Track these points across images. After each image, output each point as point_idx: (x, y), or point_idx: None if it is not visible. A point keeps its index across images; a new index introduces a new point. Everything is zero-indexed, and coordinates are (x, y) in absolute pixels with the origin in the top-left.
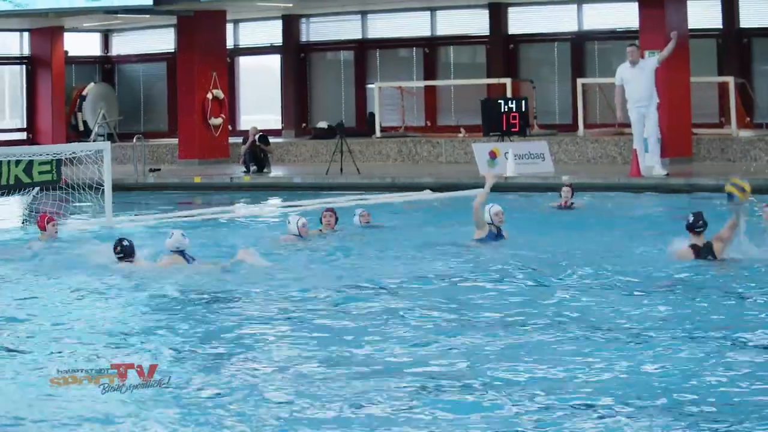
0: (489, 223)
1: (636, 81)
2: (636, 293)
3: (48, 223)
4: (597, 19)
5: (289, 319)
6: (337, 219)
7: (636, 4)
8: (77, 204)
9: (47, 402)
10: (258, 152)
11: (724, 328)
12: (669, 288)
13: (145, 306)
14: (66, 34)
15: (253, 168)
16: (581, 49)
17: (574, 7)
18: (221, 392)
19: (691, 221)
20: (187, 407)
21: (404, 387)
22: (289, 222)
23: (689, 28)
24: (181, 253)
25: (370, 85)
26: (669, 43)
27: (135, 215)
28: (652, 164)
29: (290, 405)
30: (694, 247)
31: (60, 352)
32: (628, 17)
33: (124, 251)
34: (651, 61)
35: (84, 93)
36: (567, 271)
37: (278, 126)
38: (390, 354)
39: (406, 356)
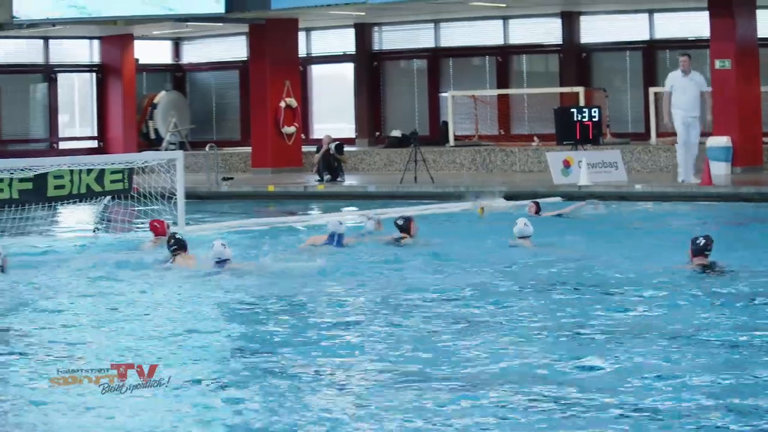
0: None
1: (684, 90)
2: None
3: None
4: (668, 27)
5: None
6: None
7: (707, 13)
8: (150, 213)
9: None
10: (332, 161)
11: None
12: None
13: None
14: (136, 42)
15: (326, 177)
16: (653, 58)
17: (646, 16)
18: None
19: (701, 244)
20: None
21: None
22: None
23: (759, 37)
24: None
25: (443, 94)
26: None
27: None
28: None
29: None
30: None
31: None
32: (699, 26)
33: (178, 243)
34: (700, 77)
35: (155, 101)
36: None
37: (352, 135)
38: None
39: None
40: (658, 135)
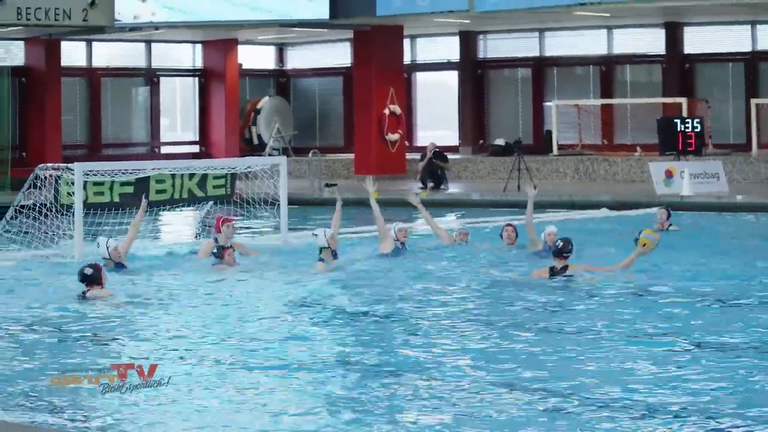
0: (395, 240)
1: None
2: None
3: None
4: None
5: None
6: (517, 234)
7: None
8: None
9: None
10: (435, 168)
11: None
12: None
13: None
14: (240, 47)
15: (430, 184)
16: (755, 69)
17: (749, 27)
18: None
19: (560, 247)
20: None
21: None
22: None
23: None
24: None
25: (547, 103)
26: None
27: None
28: None
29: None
30: (552, 268)
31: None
32: None
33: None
34: None
35: (258, 106)
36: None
37: (455, 142)
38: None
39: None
40: (760, 147)
